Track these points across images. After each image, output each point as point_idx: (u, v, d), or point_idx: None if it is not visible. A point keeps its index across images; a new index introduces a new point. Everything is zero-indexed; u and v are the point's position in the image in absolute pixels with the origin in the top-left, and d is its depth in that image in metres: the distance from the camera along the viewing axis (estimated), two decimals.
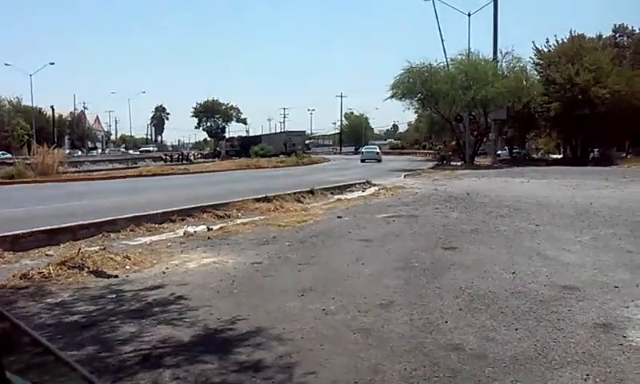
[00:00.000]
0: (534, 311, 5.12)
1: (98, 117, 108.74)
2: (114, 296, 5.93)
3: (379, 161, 47.08)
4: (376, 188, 19.57)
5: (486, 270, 6.77)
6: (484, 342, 4.39)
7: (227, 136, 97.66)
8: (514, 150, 52.06)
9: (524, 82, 38.15)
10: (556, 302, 5.38)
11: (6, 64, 74.44)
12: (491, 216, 11.62)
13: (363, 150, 54.76)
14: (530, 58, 42.14)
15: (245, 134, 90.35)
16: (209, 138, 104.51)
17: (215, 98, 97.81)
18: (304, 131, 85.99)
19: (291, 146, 64.05)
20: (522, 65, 39.15)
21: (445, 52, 40.41)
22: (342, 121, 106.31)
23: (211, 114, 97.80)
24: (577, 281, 6.18)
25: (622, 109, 35.72)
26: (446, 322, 4.88)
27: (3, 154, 50.65)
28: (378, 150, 52.56)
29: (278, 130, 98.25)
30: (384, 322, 4.92)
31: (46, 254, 8.33)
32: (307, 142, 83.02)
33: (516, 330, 4.65)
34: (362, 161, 46.92)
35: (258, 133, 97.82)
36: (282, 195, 15.31)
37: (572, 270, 6.76)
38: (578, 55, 38.66)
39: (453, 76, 37.50)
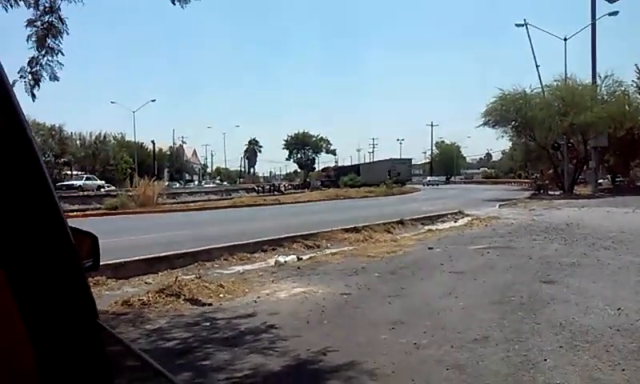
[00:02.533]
0: None
1: (195, 150, 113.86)
2: (208, 324, 6.10)
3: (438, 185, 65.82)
4: (469, 218, 19.08)
5: (588, 306, 6.37)
6: (587, 383, 4.11)
7: (319, 167, 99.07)
8: (617, 179, 49.15)
9: (626, 107, 36.12)
10: None
11: (111, 102, 79.85)
12: (593, 248, 10.97)
13: (429, 179, 79.56)
14: (633, 81, 39.90)
15: (340, 164, 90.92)
16: (299, 170, 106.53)
17: (305, 130, 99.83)
18: (410, 159, 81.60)
19: (395, 175, 62.88)
20: (623, 88, 37.14)
21: (540, 78, 39.14)
22: (432, 150, 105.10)
23: (302, 145, 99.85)
24: None
25: None
26: (546, 359, 4.61)
27: (108, 186, 53.91)
28: (437, 180, 79.27)
29: (374, 159, 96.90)
30: (478, 358, 4.73)
31: (146, 282, 8.75)
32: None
33: (623, 370, 4.32)
34: (427, 184, 62.99)
35: (355, 162, 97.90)
36: (370, 226, 15.28)
37: None
38: None
39: (549, 102, 36.21)
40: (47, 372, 0.89)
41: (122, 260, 9.34)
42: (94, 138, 69.29)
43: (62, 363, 0.91)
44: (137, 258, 9.76)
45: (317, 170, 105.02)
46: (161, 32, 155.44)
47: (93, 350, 0.96)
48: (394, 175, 62.53)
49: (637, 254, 10.07)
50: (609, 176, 49.18)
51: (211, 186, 77.82)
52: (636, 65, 40.67)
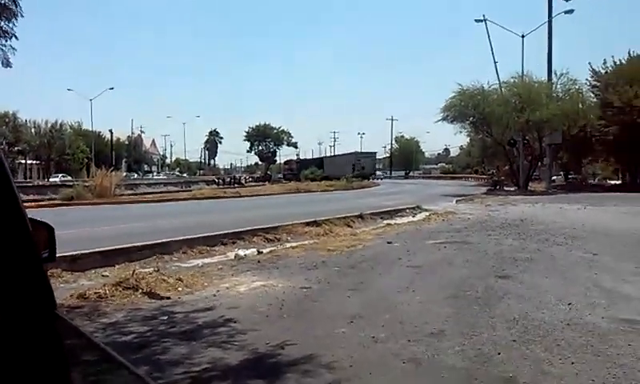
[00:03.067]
0: (591, 345, 4.92)
1: (154, 140, 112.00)
2: (166, 317, 6.05)
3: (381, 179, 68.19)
4: (427, 213, 19.37)
5: (540, 300, 6.57)
6: (539, 376, 4.25)
7: (280, 160, 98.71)
8: (570, 176, 50.64)
9: (580, 105, 37.12)
10: (615, 336, 5.16)
11: (68, 89, 77.88)
12: (546, 244, 11.30)
13: (378, 174, 76.48)
14: (587, 79, 41.03)
15: (301, 157, 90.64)
16: (260, 162, 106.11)
17: (267, 123, 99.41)
18: (375, 153, 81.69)
19: (360, 169, 62.63)
20: (577, 87, 38.09)
21: (497, 74, 39.97)
22: (392, 145, 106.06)
23: (263, 138, 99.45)
24: (637, 313, 5.91)
25: None
26: (499, 353, 4.74)
27: (64, 176, 52.75)
28: (381, 175, 78.16)
29: (335, 153, 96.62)
30: (434, 351, 4.82)
31: (102, 275, 8.60)
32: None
33: (572, 363, 4.48)
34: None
35: (316, 155, 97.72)
36: (331, 219, 15.35)
37: (631, 302, 6.48)
38: (637, 77, 37.43)
39: (506, 99, 36.93)
40: (4, 362, 0.89)
41: (78, 252, 9.15)
42: (49, 126, 67.53)
43: (20, 353, 0.90)
44: (93, 250, 9.58)
45: (278, 162, 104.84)
46: (121, 19, 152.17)
47: (51, 340, 0.95)
48: (359, 169, 62.41)
49: (587, 250, 10.41)
50: (562, 173, 50.62)
51: (170, 177, 76.82)
52: (589, 63, 41.90)
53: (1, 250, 0.90)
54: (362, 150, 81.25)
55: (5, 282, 0.90)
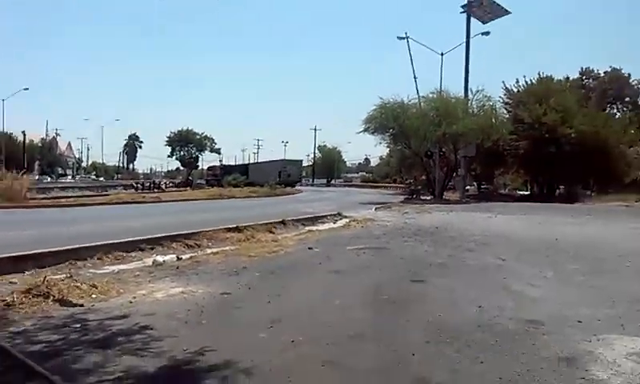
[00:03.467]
0: (499, 344, 5.19)
1: (70, 143, 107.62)
2: (79, 325, 5.82)
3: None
4: (347, 220, 19.66)
5: (453, 303, 6.86)
6: (450, 375, 4.44)
7: (203, 165, 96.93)
8: (483, 186, 52.94)
9: (493, 120, 39.00)
10: (520, 336, 5.47)
11: None
12: (459, 250, 11.77)
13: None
14: (500, 97, 43.34)
15: (224, 163, 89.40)
16: (182, 167, 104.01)
17: (189, 128, 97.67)
18: (301, 161, 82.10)
19: (286, 177, 62.39)
20: (491, 103, 40.09)
21: (417, 89, 41.17)
22: (315, 154, 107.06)
23: (185, 143, 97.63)
24: (541, 315, 6.28)
25: (587, 148, 36.81)
26: (413, 354, 4.91)
27: None
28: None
29: (258, 159, 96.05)
30: (352, 354, 4.93)
31: (10, 282, 8.14)
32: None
33: (481, 362, 4.71)
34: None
35: (240, 162, 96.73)
36: (253, 226, 15.27)
37: (537, 305, 6.88)
38: (546, 96, 39.82)
39: (424, 112, 38.20)
40: None
41: None
42: None
43: None
44: (0, 256, 9.06)
45: (200, 168, 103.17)
46: (38, 15, 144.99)
47: None
48: (285, 176, 62.31)
49: (497, 255, 10.94)
50: (475, 183, 52.83)
51: (86, 181, 73.86)
52: (503, 82, 44.25)
53: None
54: (289, 158, 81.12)
55: None
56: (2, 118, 66.18)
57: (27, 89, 65.14)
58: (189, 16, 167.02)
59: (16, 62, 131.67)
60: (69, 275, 8.19)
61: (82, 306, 6.68)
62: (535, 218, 19.96)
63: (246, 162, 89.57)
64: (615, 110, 62.53)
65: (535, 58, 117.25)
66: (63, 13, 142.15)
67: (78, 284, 7.47)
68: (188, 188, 59.00)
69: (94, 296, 7.15)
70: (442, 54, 41.57)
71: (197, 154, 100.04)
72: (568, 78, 50.61)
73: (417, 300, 7.07)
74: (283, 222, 17.02)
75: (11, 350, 1.32)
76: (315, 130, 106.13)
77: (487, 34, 41.42)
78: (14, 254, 9.31)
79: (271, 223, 16.41)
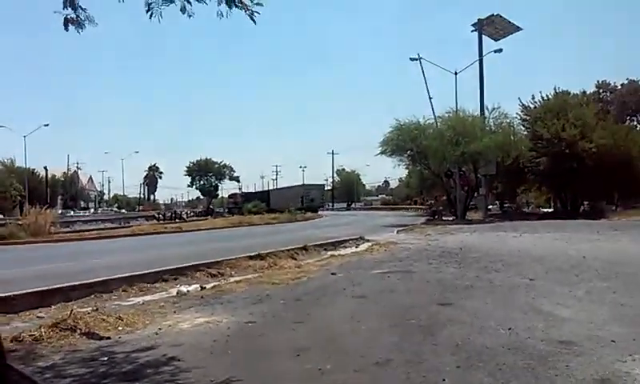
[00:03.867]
0: (531, 367, 5.07)
1: (91, 177, 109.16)
2: (107, 358, 5.83)
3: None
4: (369, 244, 19.55)
5: (482, 326, 6.73)
6: None
7: (222, 194, 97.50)
8: (505, 205, 52.40)
9: (512, 137, 38.76)
10: (553, 358, 5.34)
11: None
12: (485, 271, 11.60)
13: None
14: (517, 113, 43.01)
15: (244, 191, 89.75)
16: (202, 196, 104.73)
17: (208, 157, 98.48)
18: (323, 185, 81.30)
19: (309, 201, 61.87)
20: (508, 120, 39.93)
21: (433, 109, 41.14)
22: (333, 178, 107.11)
23: (204, 172, 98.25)
24: (573, 335, 6.14)
25: (609, 162, 36.29)
26: (444, 379, 4.82)
27: None
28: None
29: (278, 186, 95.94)
30: (380, 381, 4.86)
31: (37, 316, 8.24)
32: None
33: None
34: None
35: (259, 189, 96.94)
36: (275, 252, 15.27)
37: (568, 325, 6.73)
38: (564, 111, 39.47)
39: (441, 132, 38.09)
40: None
41: (10, 293, 8.75)
42: None
43: None
44: (27, 291, 9.16)
45: (220, 196, 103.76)
46: (54, 53, 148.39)
47: None
48: (308, 201, 61.74)
49: (524, 275, 10.77)
50: (497, 202, 52.30)
51: (108, 213, 74.71)
52: (519, 98, 43.96)
53: None
54: (309, 182, 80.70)
55: None
56: (24, 154, 67.48)
57: (47, 125, 66.29)
58: (202, 44, 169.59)
59: (35, 98, 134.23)
60: (95, 308, 8.26)
61: (108, 338, 6.71)
62: (561, 236, 19.64)
63: (267, 189, 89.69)
64: (635, 122, 61.68)
65: (550, 73, 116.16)
66: (80, 43, 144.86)
67: (105, 316, 7.52)
68: (209, 217, 59.32)
69: (120, 328, 7.18)
70: (455, 74, 41.60)
71: (216, 182, 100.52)
72: (585, 91, 50.11)
73: (445, 323, 6.96)
74: (305, 248, 16.99)
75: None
76: (333, 153, 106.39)
77: (500, 51, 41.52)
78: (40, 289, 9.44)
79: (293, 249, 16.40)
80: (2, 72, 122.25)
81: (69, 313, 7.40)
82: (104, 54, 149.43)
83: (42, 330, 6.78)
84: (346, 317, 7.60)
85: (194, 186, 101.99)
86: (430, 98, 41.79)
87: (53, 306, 8.82)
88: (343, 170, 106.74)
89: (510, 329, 6.49)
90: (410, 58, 42.48)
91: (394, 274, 11.51)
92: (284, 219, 42.63)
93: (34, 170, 72.60)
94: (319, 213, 58.64)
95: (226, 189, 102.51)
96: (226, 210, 69.85)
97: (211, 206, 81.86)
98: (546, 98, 43.07)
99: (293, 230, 30.18)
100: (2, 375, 0.93)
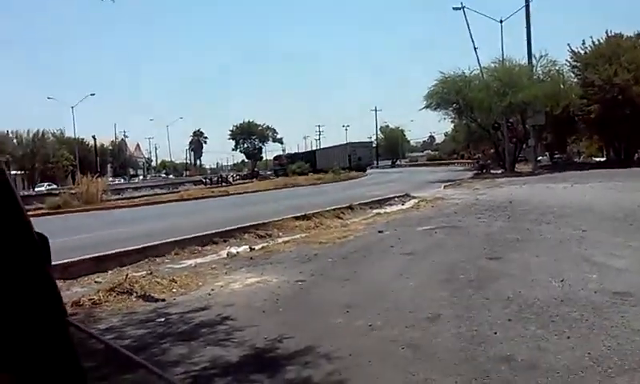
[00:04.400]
0: (585, 319, 4.98)
1: (138, 144, 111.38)
2: (163, 319, 6.04)
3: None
4: (416, 200, 19.42)
5: (533, 279, 6.63)
6: (536, 352, 4.30)
7: (267, 156, 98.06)
8: (555, 156, 50.99)
9: (561, 86, 37.43)
10: (608, 309, 5.23)
11: (48, 98, 77.17)
12: (535, 224, 11.39)
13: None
14: (567, 60, 41.28)
15: (287, 152, 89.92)
16: (246, 160, 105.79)
17: (251, 120, 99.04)
18: (371, 142, 78.58)
19: (356, 161, 60.22)
20: (557, 68, 38.42)
21: (478, 60, 39.90)
22: (377, 135, 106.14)
23: (248, 135, 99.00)
24: (629, 286, 5.99)
25: None
26: (495, 333, 4.79)
27: (49, 185, 52.33)
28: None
29: (321, 146, 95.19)
30: (432, 335, 4.87)
31: (95, 281, 8.56)
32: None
33: (568, 338, 4.54)
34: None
35: (302, 150, 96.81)
36: (321, 212, 15.34)
37: (623, 276, 6.56)
38: (616, 55, 37.70)
39: (487, 83, 37.09)
40: (20, 370, 0.89)
41: (69, 260, 9.08)
42: (31, 135, 66.90)
43: (36, 362, 0.91)
44: (84, 257, 9.51)
45: (265, 159, 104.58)
46: (97, 23, 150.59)
47: (63, 347, 0.96)
48: (355, 160, 60.13)
49: (576, 227, 10.51)
50: (547, 153, 50.96)
51: (157, 179, 76.41)
52: (569, 45, 42.17)
53: (12, 259, 0.91)
54: (354, 140, 79.35)
55: (17, 291, 0.90)
56: (72, 124, 69.29)
57: (94, 94, 67.78)
58: (248, 9, 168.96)
59: (82, 68, 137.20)
60: (149, 272, 8.52)
61: (163, 300, 6.93)
62: (614, 185, 19.07)
63: (313, 149, 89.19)
64: None
65: (602, 16, 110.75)
66: (117, 10, 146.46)
67: (159, 279, 7.76)
68: (254, 179, 59.97)
69: (174, 290, 7.40)
70: (501, 21, 40.10)
71: (260, 145, 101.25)
72: (639, 33, 47.71)
73: (495, 277, 6.89)
74: (351, 207, 17.00)
75: (106, 341, 1.38)
76: (376, 110, 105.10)
77: None
78: (96, 255, 9.78)
79: (339, 209, 16.44)
80: (49, 43, 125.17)
81: (124, 277, 7.67)
82: (145, 27, 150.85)
83: (100, 294, 7.06)
84: (394, 274, 7.62)
85: (239, 150, 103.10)
86: (475, 48, 40.55)
87: (109, 271, 9.15)
88: (387, 126, 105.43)
89: (562, 281, 6.39)
90: (453, 8, 41.24)
91: (442, 230, 11.43)
92: (329, 179, 42.71)
93: (83, 139, 74.55)
94: (367, 171, 58.06)
95: (270, 151, 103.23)
96: (272, 172, 70.32)
97: (256, 169, 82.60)
98: (597, 42, 41.23)
99: (338, 190, 30.22)
100: (64, 330, 0.96)
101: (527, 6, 39.44)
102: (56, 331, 0.96)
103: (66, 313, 0.99)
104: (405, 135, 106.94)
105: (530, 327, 4.88)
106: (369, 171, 59.66)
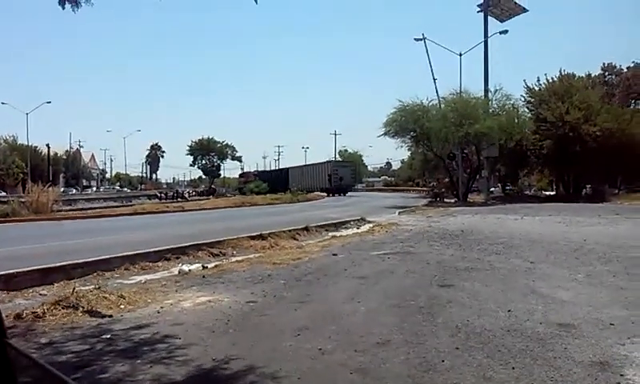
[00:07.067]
0: (530, 349, 5.10)
1: (93, 155, 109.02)
2: (108, 336, 5.87)
3: None
4: (371, 225, 19.58)
5: (481, 308, 6.76)
6: (481, 382, 4.36)
7: (224, 174, 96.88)
8: (507, 187, 52.31)
9: (515, 120, 38.59)
10: (552, 340, 5.37)
11: (2, 103, 74.92)
12: (486, 253, 11.63)
13: None
14: (522, 95, 42.73)
15: (245, 170, 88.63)
16: (204, 176, 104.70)
17: (210, 136, 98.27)
18: (353, 163, 73.72)
19: (338, 181, 55.89)
20: (512, 102, 39.68)
21: (437, 91, 40.95)
22: (336, 158, 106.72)
23: (206, 151, 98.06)
24: (572, 318, 6.17)
25: (613, 146, 36.16)
26: (443, 360, 4.85)
27: None
28: None
29: (279, 166, 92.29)
30: (381, 361, 4.88)
31: (40, 294, 8.29)
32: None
33: (513, 368, 4.63)
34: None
35: (261, 169, 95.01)
36: (276, 233, 15.31)
37: (567, 308, 6.75)
38: (568, 93, 39.21)
39: (445, 114, 37.92)
40: None
41: (13, 271, 8.79)
42: None
43: None
44: (30, 269, 9.19)
45: (222, 176, 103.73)
46: (56, 31, 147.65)
47: (2, 368, 0.93)
48: (337, 180, 56.68)
49: (524, 258, 10.80)
50: (500, 184, 52.23)
51: (110, 192, 74.81)
52: (524, 80, 43.65)
53: None
54: (338, 159, 74.93)
55: None
56: (26, 131, 67.39)
57: (50, 102, 66.20)
58: (200, 23, 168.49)
59: (39, 75, 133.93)
60: (97, 286, 8.29)
61: (110, 316, 6.75)
62: (562, 219, 19.65)
63: (285, 167, 79.23)
64: None
65: (556, 56, 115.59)
66: (76, 23, 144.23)
67: (107, 295, 7.56)
68: (211, 197, 59.29)
69: (122, 306, 7.22)
70: (460, 55, 41.27)
71: (218, 162, 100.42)
72: (590, 74, 49.72)
73: (444, 305, 6.99)
74: (306, 229, 17.02)
75: (39, 361, 1.33)
76: (335, 134, 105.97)
77: (505, 32, 41.38)
78: (43, 266, 9.48)
79: (295, 230, 16.43)
80: (6, 51, 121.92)
81: (71, 290, 7.45)
82: (105, 35, 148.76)
83: (44, 307, 6.83)
84: (346, 297, 7.64)
85: (197, 166, 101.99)
86: (434, 79, 41.58)
87: (55, 284, 8.86)
88: (346, 150, 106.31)
89: (509, 311, 6.53)
90: (415, 39, 42.22)
91: (395, 256, 11.54)
92: (286, 200, 42.65)
93: (37, 147, 72.56)
94: (319, 194, 56.28)
95: (229, 169, 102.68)
96: (237, 190, 68.78)
97: (213, 186, 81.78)
98: (551, 80, 42.77)
99: (295, 211, 30.18)
100: (2, 351, 0.93)
101: (485, 42, 40.80)
102: None
103: (5, 333, 0.96)
104: (362, 160, 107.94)
105: (477, 356, 4.95)
106: (323, 194, 55.16)
